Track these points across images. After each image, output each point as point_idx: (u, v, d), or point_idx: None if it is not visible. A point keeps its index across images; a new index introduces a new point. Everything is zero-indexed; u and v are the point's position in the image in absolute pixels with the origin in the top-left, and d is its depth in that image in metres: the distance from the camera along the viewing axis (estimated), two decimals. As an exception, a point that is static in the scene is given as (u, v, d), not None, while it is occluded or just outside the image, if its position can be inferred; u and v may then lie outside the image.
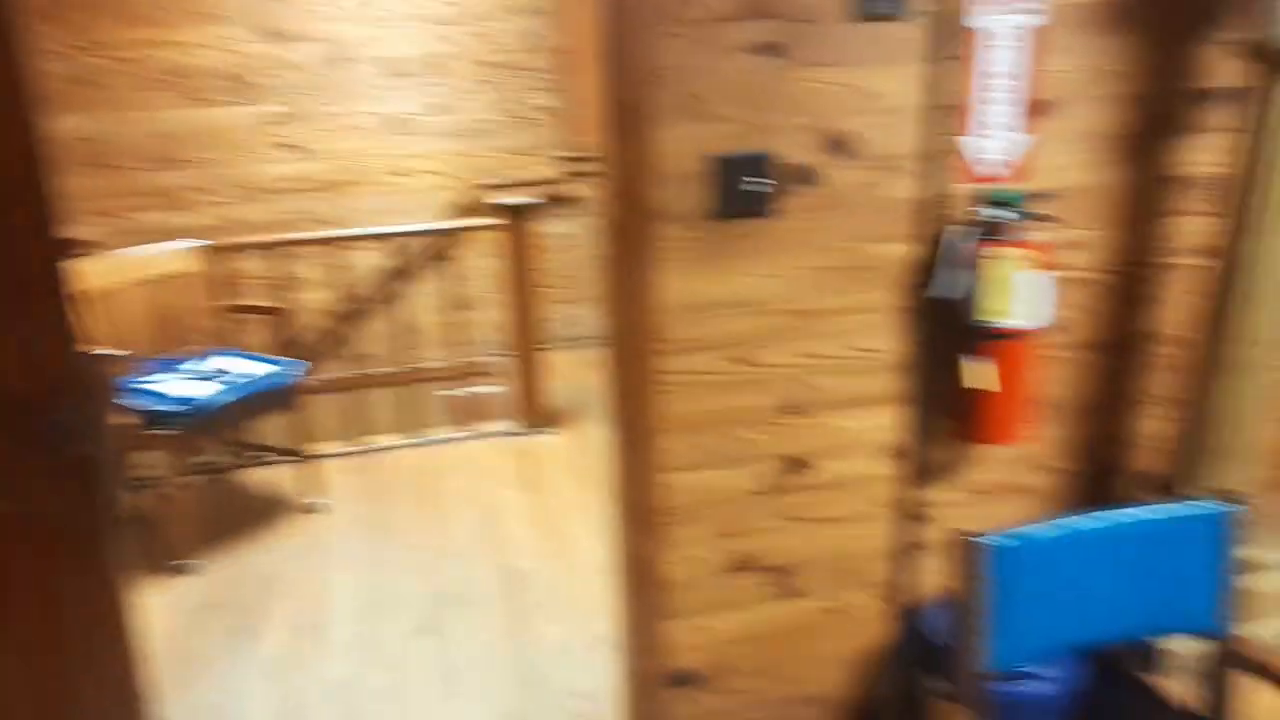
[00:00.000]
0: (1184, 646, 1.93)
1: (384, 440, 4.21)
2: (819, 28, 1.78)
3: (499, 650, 2.77)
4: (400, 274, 4.92)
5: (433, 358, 4.70)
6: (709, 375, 1.99)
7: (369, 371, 4.65)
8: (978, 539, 1.45)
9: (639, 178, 1.81)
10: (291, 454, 3.70)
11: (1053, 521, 1.51)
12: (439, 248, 4.62)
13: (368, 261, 4.84)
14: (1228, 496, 1.53)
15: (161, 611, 2.97)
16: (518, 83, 4.96)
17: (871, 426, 2.12)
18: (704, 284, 1.91)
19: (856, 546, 2.17)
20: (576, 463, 3.90)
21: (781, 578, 2.20)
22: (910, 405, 2.12)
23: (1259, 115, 1.79)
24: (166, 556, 3.21)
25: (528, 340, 4.19)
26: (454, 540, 3.38)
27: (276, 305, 3.87)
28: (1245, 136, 1.82)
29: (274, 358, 3.56)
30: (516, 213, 3.97)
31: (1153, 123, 2.00)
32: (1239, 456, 1.92)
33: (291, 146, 4.76)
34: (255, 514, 3.59)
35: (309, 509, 3.59)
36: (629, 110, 1.75)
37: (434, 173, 4.90)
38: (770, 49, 1.76)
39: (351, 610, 2.99)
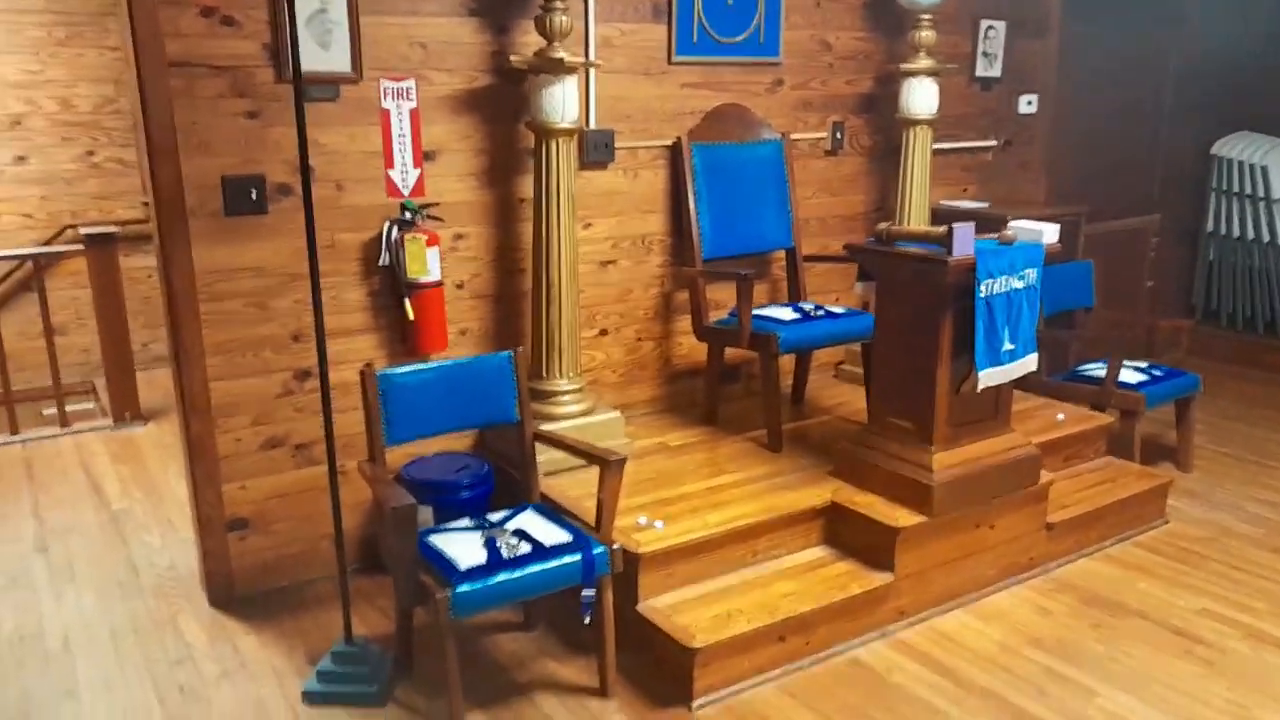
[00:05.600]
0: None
1: (-17, 440, 4.79)
2: (280, 104, 3.07)
3: (105, 555, 3.66)
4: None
5: (17, 380, 5.28)
6: (235, 315, 3.17)
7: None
8: (372, 370, 2.77)
9: (176, 189, 2.97)
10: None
11: (417, 364, 2.88)
12: (27, 278, 5.24)
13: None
14: (516, 350, 2.99)
15: None
16: (100, 139, 5.75)
17: (352, 349, 3.41)
18: (226, 256, 3.10)
19: (350, 429, 3.39)
20: (165, 441, 4.79)
21: (302, 452, 3.40)
22: (375, 333, 3.44)
23: (539, 161, 3.35)
24: None
25: (117, 354, 4.98)
26: (58, 497, 4.17)
27: None
28: (538, 174, 3.38)
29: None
30: (97, 242, 4.80)
31: (497, 165, 3.54)
32: (556, 344, 3.46)
33: None
34: None
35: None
36: (164, 150, 2.92)
37: (22, 215, 5.52)
38: (251, 114, 3.04)
39: (-34, 548, 3.71)
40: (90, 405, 5.64)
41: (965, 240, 2.91)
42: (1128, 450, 4.09)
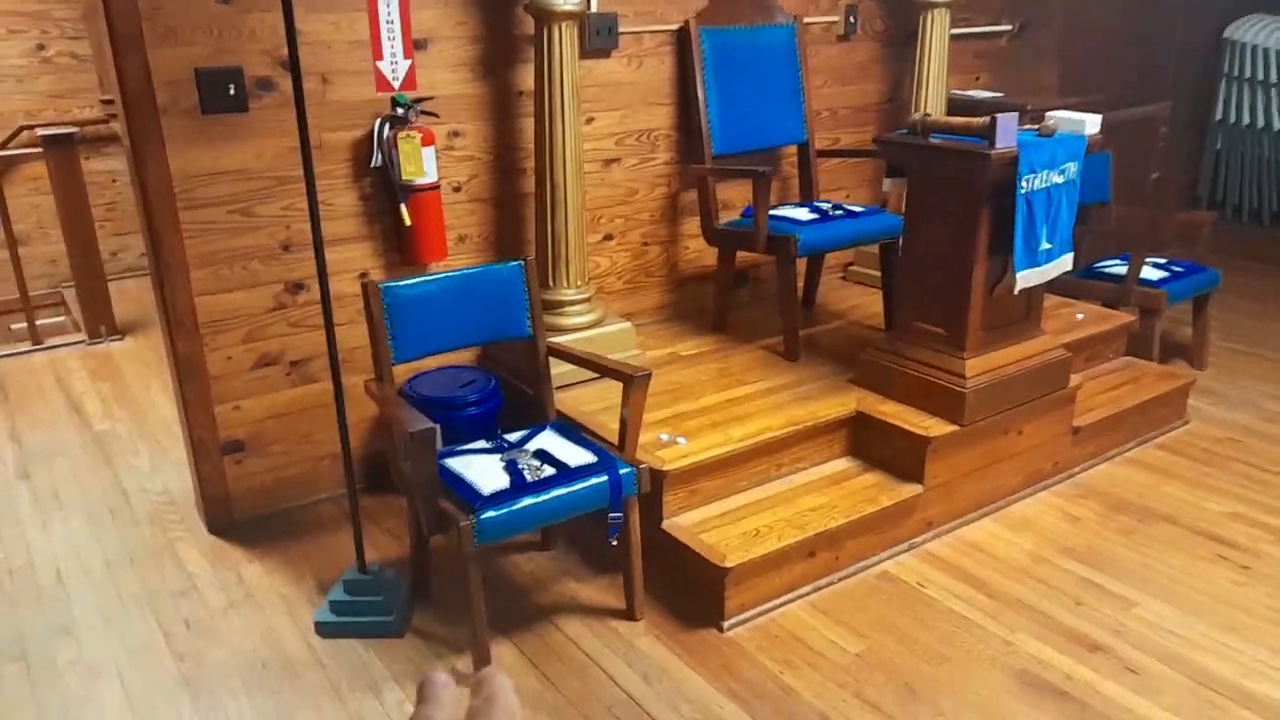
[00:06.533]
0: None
1: (-51, 360, 4.54)
2: (258, -13, 2.77)
3: (91, 479, 3.48)
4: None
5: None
6: (218, 224, 2.93)
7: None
8: (375, 283, 2.56)
9: (144, 84, 2.69)
10: None
11: (422, 275, 2.68)
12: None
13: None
14: (525, 258, 2.78)
15: None
16: (51, 30, 5.32)
17: (345, 258, 3.18)
18: (205, 159, 2.84)
19: (349, 343, 3.20)
20: (144, 357, 4.57)
21: (298, 369, 3.21)
22: (369, 241, 3.21)
23: (540, 49, 3.08)
24: None
25: (86, 264, 4.70)
26: (36, 419, 3.97)
27: None
28: (539, 62, 3.11)
29: None
30: (56, 144, 4.46)
31: (493, 54, 3.26)
32: (562, 251, 3.25)
33: None
34: None
35: (-122, 419, 3.96)
36: (129, 38, 2.62)
37: (-31, 115, 5.14)
38: (225, -1, 2.74)
39: (-58, 475, 3.52)
40: (61, 319, 5.38)
41: (1008, 132, 2.71)
42: (1146, 349, 3.98)
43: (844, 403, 3.12)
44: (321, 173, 3.04)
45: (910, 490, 2.94)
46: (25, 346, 4.71)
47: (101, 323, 4.74)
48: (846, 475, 3.04)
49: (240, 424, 3.14)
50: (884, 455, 3.06)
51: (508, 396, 3.24)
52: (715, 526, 2.74)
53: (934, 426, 2.95)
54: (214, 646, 2.56)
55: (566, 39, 3.06)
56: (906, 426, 2.96)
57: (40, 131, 4.49)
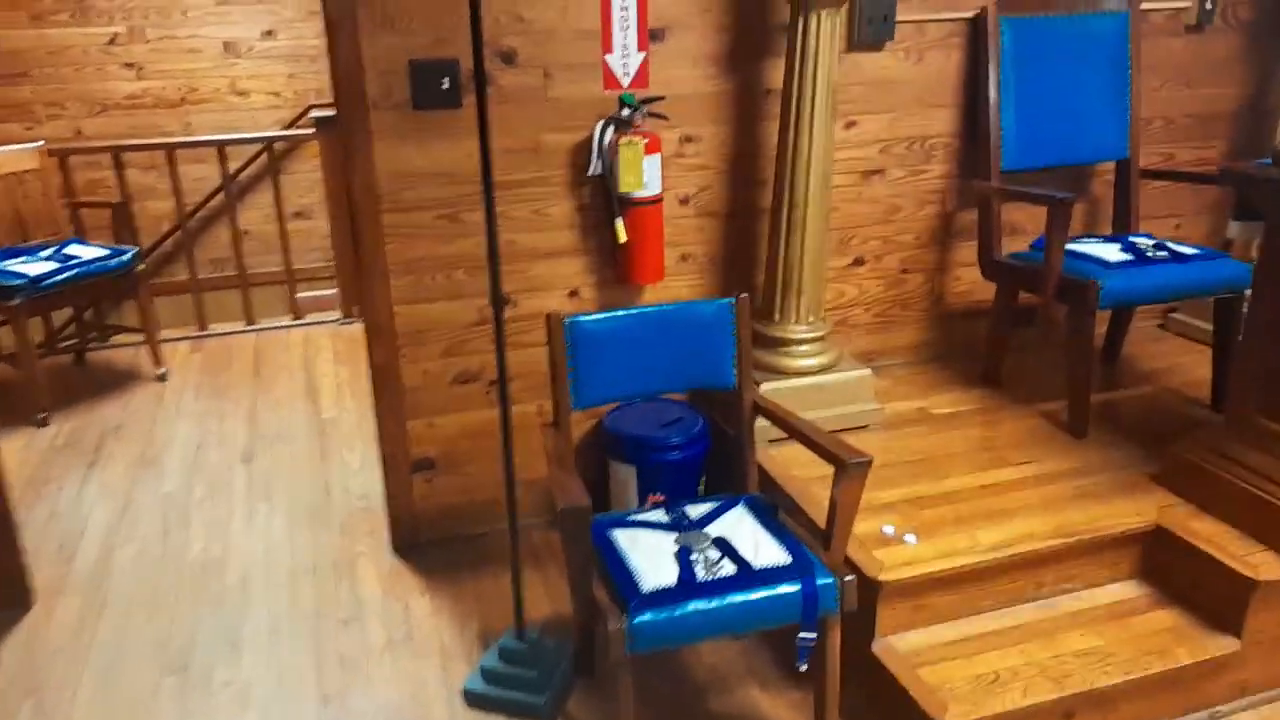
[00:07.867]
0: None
1: (224, 327, 4.82)
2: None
3: (304, 470, 3.48)
4: (237, 185, 5.44)
5: (269, 262, 5.28)
6: (424, 229, 2.72)
7: (210, 276, 5.22)
8: (559, 317, 2.22)
9: (356, 76, 2.51)
10: (138, 333, 4.31)
11: (613, 310, 2.30)
12: (270, 161, 5.15)
13: (205, 173, 5.32)
14: (739, 295, 2.33)
15: (19, 453, 3.58)
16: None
17: (555, 273, 2.88)
18: (413, 158, 2.63)
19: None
20: (389, 341, 4.60)
21: (497, 388, 2.95)
22: (583, 256, 2.89)
23: (793, 41, 2.58)
24: (27, 412, 3.81)
25: (344, 244, 4.80)
26: (276, 398, 4.08)
27: (115, 201, 4.43)
28: (790, 57, 2.62)
29: (112, 246, 4.14)
30: (324, 125, 4.55)
31: (741, 47, 2.80)
32: (794, 281, 2.76)
33: (131, 65, 5.23)
34: (106, 382, 4.23)
35: (154, 378, 4.23)
36: (341, 23, 2.44)
37: (270, 93, 5.43)
38: (438, -14, 2.48)
39: (182, 447, 3.66)
40: (333, 291, 5.60)
41: None
42: None
43: (1140, 510, 2.39)
44: (536, 178, 2.76)
45: (1221, 644, 2.19)
46: (286, 321, 4.91)
47: (355, 303, 4.83)
48: (1132, 608, 2.33)
49: (433, 441, 2.95)
50: (1187, 588, 2.31)
51: (716, 437, 2.82)
52: (942, 659, 2.16)
53: (1266, 564, 2.17)
54: (361, 692, 2.37)
55: (825, 30, 2.55)
56: (1225, 560, 2.21)
57: (314, 113, 4.62)
